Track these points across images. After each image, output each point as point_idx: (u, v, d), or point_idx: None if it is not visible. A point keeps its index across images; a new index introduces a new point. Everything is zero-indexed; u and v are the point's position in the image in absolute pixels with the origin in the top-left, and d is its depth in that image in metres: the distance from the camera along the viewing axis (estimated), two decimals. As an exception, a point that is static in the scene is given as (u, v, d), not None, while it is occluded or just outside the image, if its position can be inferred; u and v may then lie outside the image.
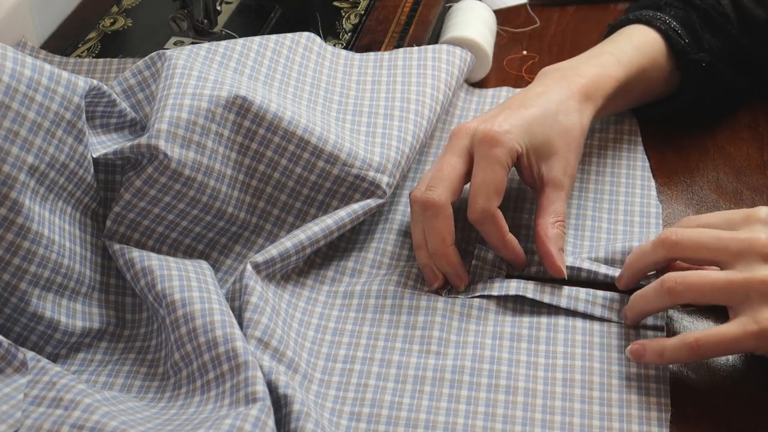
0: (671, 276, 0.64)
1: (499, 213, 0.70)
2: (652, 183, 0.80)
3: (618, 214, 0.77)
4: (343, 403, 0.65)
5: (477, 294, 0.71)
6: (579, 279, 0.72)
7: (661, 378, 0.65)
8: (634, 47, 0.80)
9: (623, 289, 0.70)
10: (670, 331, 0.68)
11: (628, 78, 0.79)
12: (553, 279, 0.71)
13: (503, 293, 0.70)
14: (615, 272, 0.71)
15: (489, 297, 0.71)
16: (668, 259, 0.67)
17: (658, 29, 0.81)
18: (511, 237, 0.71)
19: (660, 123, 0.86)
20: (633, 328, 0.68)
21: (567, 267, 0.72)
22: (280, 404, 0.62)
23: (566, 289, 0.70)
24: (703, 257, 0.64)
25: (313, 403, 0.64)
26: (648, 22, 0.82)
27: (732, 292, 0.62)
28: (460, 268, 0.71)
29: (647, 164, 0.82)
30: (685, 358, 0.63)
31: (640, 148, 0.83)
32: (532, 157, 0.72)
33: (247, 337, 0.65)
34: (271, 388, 0.62)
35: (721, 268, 0.63)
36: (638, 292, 0.67)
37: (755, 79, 0.86)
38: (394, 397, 0.65)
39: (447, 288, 0.72)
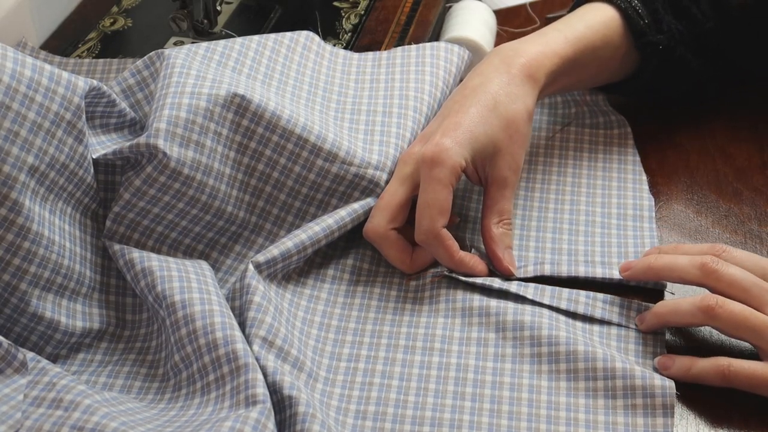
0: (713, 296, 0.64)
1: (445, 233, 0.70)
2: (644, 177, 0.80)
3: (611, 207, 0.77)
4: (348, 402, 0.65)
5: (478, 283, 0.71)
6: (577, 278, 0.72)
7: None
8: (585, 25, 0.79)
9: (628, 277, 0.70)
10: (672, 344, 0.68)
11: (576, 55, 0.77)
12: (552, 281, 0.72)
13: (504, 288, 0.70)
14: (613, 272, 0.71)
15: (489, 295, 0.71)
16: (700, 283, 0.66)
17: (618, 7, 0.80)
18: (462, 255, 0.71)
19: (660, 123, 0.86)
20: (635, 329, 0.68)
21: (565, 264, 0.72)
22: (284, 405, 0.62)
23: (566, 291, 0.70)
24: (736, 295, 0.64)
25: (319, 402, 0.64)
26: (609, 0, 0.81)
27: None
28: (431, 263, 0.73)
29: (638, 158, 0.82)
30: (712, 380, 0.63)
31: (631, 142, 0.83)
32: (477, 162, 0.72)
33: (251, 336, 0.65)
34: (276, 388, 0.62)
35: None
36: (668, 303, 0.67)
37: (724, 66, 0.85)
38: (399, 395, 0.65)
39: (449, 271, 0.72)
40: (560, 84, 0.79)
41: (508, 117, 0.72)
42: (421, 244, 0.71)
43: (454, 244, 0.71)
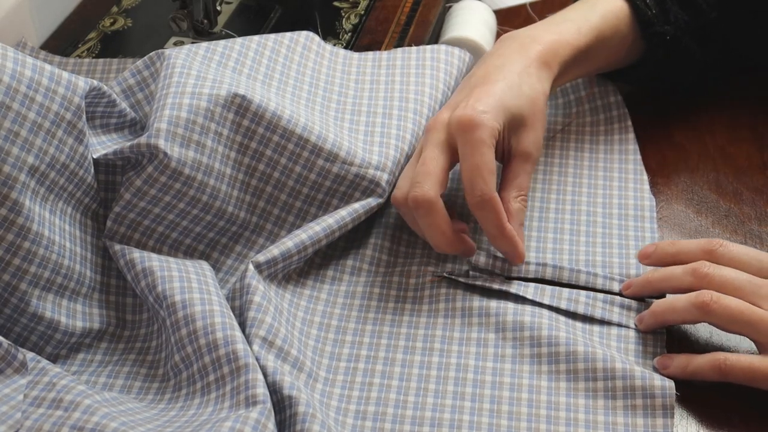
0: (708, 292, 0.64)
1: (498, 197, 0.69)
2: (645, 176, 0.80)
3: (612, 207, 0.77)
4: (348, 402, 0.65)
5: (478, 283, 0.71)
6: (578, 281, 0.72)
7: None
8: (597, 15, 0.79)
9: (629, 296, 0.70)
10: (676, 338, 0.68)
11: (588, 46, 0.78)
12: (553, 282, 0.72)
13: (504, 289, 0.70)
14: (613, 280, 0.71)
15: (489, 296, 0.71)
16: (694, 289, 0.66)
17: None
18: (510, 226, 0.69)
19: (660, 122, 0.86)
20: (635, 329, 0.68)
21: (567, 269, 0.72)
22: (284, 405, 0.62)
23: (566, 291, 0.70)
24: (731, 295, 0.64)
25: (319, 402, 0.64)
26: None
27: (765, 330, 0.62)
28: (470, 246, 0.71)
29: (639, 157, 0.82)
30: (709, 375, 0.63)
31: (632, 137, 0.83)
32: (505, 132, 0.72)
33: (251, 336, 0.65)
34: (276, 388, 0.62)
35: None
36: (665, 301, 0.67)
37: (727, 55, 0.85)
38: (399, 395, 0.66)
39: (449, 272, 0.72)
40: (570, 75, 0.79)
41: (531, 96, 0.73)
42: (474, 208, 0.69)
43: (504, 212, 0.69)
